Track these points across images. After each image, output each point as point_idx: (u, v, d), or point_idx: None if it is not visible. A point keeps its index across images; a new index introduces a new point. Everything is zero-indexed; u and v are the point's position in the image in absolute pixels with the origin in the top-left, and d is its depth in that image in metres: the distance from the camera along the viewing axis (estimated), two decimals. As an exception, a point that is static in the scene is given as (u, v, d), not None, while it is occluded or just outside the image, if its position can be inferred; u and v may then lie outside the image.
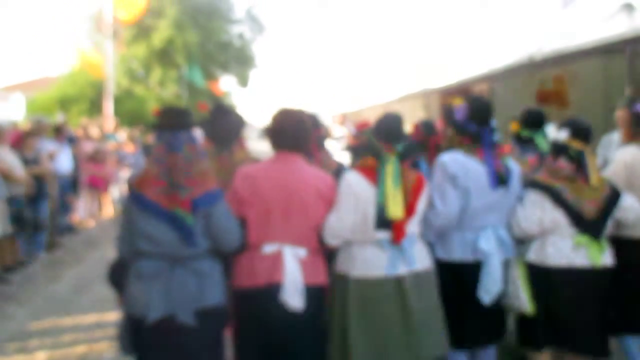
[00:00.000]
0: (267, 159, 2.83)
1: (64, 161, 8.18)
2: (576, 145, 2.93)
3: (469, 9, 9.17)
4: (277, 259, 2.61)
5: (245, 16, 27.40)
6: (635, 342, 3.26)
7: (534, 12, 7.30)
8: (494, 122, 3.32)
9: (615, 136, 4.98)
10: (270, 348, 2.62)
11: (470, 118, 2.95)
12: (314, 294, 2.63)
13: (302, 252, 2.65)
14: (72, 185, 8.74)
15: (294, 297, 2.56)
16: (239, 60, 26.88)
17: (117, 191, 11.32)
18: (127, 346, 2.62)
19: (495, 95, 8.88)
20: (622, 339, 3.28)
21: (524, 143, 3.40)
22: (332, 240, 2.70)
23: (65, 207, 8.53)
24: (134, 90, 22.83)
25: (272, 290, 2.57)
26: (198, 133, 2.72)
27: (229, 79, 27.92)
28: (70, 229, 8.67)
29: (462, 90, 9.93)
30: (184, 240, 2.46)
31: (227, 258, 2.69)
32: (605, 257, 2.93)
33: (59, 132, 8.40)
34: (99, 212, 10.13)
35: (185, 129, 2.55)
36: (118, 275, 2.70)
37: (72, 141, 8.92)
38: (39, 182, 6.79)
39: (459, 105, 3.03)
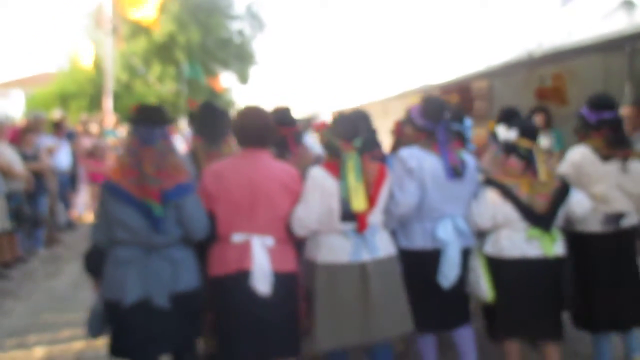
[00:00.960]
0: (233, 156, 3.01)
1: (62, 157, 8.17)
2: (525, 144, 3.12)
3: (468, 5, 9.15)
4: (245, 248, 2.79)
5: (245, 13, 27.36)
6: (605, 341, 3.39)
7: (533, 8, 7.29)
8: (468, 122, 3.62)
9: None
10: (245, 330, 2.77)
11: (424, 116, 3.18)
12: (283, 279, 2.81)
13: (269, 241, 2.82)
14: (71, 181, 8.73)
15: (262, 283, 2.75)
16: (239, 56, 26.85)
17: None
18: (95, 328, 2.83)
19: (495, 92, 8.89)
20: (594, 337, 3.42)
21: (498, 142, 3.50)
22: (299, 231, 2.89)
23: (64, 203, 8.53)
24: (133, 87, 22.80)
25: (241, 277, 2.75)
26: (187, 130, 2.80)
27: (229, 75, 27.90)
28: (69, 225, 8.68)
29: (461, 86, 9.92)
30: (153, 228, 2.63)
31: (204, 249, 2.87)
32: (557, 248, 3.10)
33: (57, 128, 8.39)
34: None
35: (160, 126, 2.74)
36: (93, 263, 2.84)
37: (71, 137, 8.91)
38: (38, 178, 6.79)
39: (415, 105, 3.29)
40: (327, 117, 14.06)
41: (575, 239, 3.33)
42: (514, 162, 3.14)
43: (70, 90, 20.40)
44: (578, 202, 3.16)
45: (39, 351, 4.05)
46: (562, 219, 3.18)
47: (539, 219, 3.06)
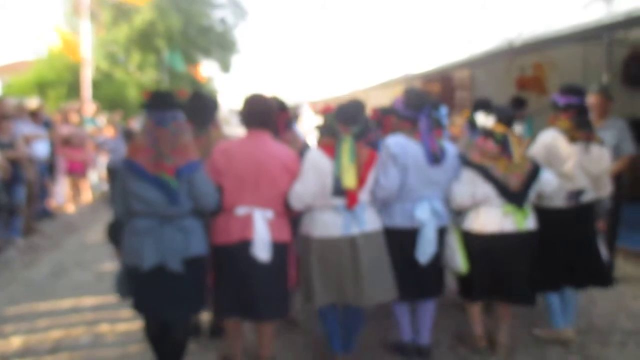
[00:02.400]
0: (240, 136, 3.31)
1: (40, 146, 8.02)
2: (500, 129, 3.47)
3: (450, -6, 9.17)
4: (248, 219, 3.12)
5: (227, 1, 27.12)
6: (556, 297, 3.79)
7: (514, -2, 7.33)
8: (444, 110, 3.84)
9: None
10: (242, 292, 3.13)
11: (407, 106, 3.45)
12: (279, 248, 3.18)
13: (269, 214, 3.17)
14: (49, 169, 8.60)
15: (262, 251, 3.09)
16: (221, 45, 26.64)
17: (95, 176, 11.18)
18: (124, 291, 3.18)
19: (476, 81, 8.93)
20: (546, 295, 3.81)
21: (474, 128, 3.81)
22: (297, 205, 3.21)
23: (42, 192, 8.40)
24: (113, 75, 22.49)
25: (244, 245, 3.10)
26: (183, 117, 3.14)
27: (211, 64, 27.68)
28: (47, 214, 8.55)
29: (443, 76, 9.95)
30: (169, 200, 2.94)
31: (207, 219, 3.19)
32: (529, 222, 3.47)
33: (35, 116, 8.22)
34: (78, 197, 10.00)
35: (171, 109, 3.03)
36: (115, 233, 3.16)
37: (48, 125, 8.75)
38: (15, 166, 6.67)
39: (398, 96, 3.56)
40: (308, 106, 14.03)
41: (541, 213, 3.68)
42: (491, 145, 3.46)
43: (48, 78, 20.03)
44: (547, 181, 3.50)
45: (17, 340, 4.01)
46: (534, 196, 3.53)
47: (514, 196, 3.41)
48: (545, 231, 3.63)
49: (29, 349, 3.87)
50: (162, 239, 2.95)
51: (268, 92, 3.74)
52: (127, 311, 4.47)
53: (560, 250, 3.67)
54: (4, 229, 6.66)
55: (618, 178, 4.95)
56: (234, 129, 11.10)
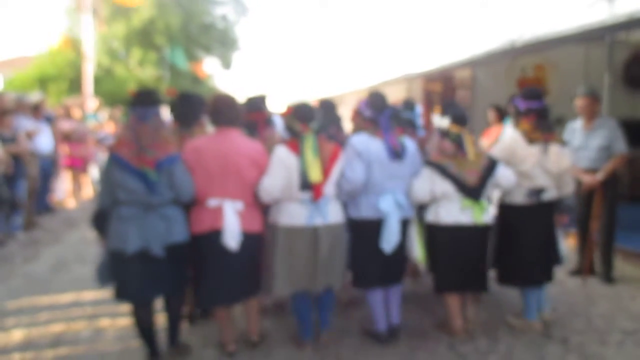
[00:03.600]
0: (210, 134, 3.55)
1: (44, 140, 8.04)
2: (455, 129, 3.71)
3: (453, -6, 9.17)
4: (218, 210, 3.35)
5: (228, -2, 27.06)
6: (532, 292, 4.00)
7: (516, -2, 7.33)
8: (419, 110, 4.35)
9: (578, 124, 5.15)
10: (216, 279, 3.39)
11: (370, 108, 3.74)
12: (250, 238, 3.41)
13: (239, 205, 3.39)
14: (52, 164, 8.60)
15: (231, 240, 3.32)
16: (222, 42, 26.59)
17: (96, 172, 11.18)
18: (104, 278, 3.37)
19: (477, 81, 8.94)
20: (522, 290, 4.02)
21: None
22: (265, 198, 3.45)
23: (44, 186, 8.41)
24: (114, 71, 22.47)
25: (215, 235, 3.33)
26: (167, 114, 3.46)
27: (212, 61, 27.63)
28: (49, 209, 8.57)
29: (444, 75, 9.96)
30: (149, 191, 3.17)
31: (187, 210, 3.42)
32: (485, 216, 3.72)
33: (36, 111, 8.22)
34: (79, 192, 10.01)
35: (153, 106, 3.28)
36: (99, 221, 3.38)
37: (49, 120, 8.75)
38: (17, 161, 6.69)
39: (362, 99, 3.85)
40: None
41: (504, 209, 3.99)
42: (447, 144, 3.72)
43: (49, 73, 20.04)
44: (503, 176, 3.74)
45: (18, 334, 4.03)
46: (491, 191, 3.83)
47: (471, 191, 3.66)
48: (508, 227, 3.96)
49: (30, 343, 3.89)
50: (145, 225, 3.17)
51: (262, 91, 4.22)
52: (128, 306, 4.52)
53: (522, 245, 3.90)
54: (5, 223, 6.68)
55: (615, 178, 4.99)
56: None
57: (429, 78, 10.41)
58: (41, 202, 8.26)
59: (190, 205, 3.43)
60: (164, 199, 3.24)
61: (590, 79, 7.03)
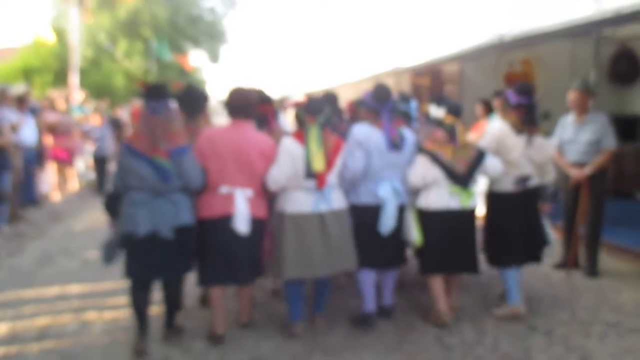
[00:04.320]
0: (225, 125, 3.76)
1: (28, 132, 7.93)
2: (449, 120, 3.91)
3: (441, -12, 9.18)
4: (230, 197, 3.57)
5: (216, -10, 26.88)
6: (512, 276, 4.19)
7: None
8: (414, 104, 4.62)
9: (570, 118, 5.18)
10: (224, 260, 3.60)
11: (374, 99, 3.91)
12: (257, 223, 3.64)
13: (249, 192, 3.60)
14: (36, 157, 8.50)
15: (241, 225, 3.54)
16: (209, 34, 26.44)
17: (82, 164, 11.09)
18: (109, 257, 3.60)
19: (465, 76, 8.96)
20: (502, 274, 4.24)
21: (428, 119, 4.18)
22: (273, 186, 3.64)
23: (29, 179, 8.31)
24: (100, 62, 22.24)
25: (226, 219, 3.55)
26: (175, 106, 3.67)
27: (200, 54, 27.47)
28: (33, 202, 8.48)
29: (433, 70, 9.98)
30: (162, 179, 3.41)
31: (193, 197, 3.63)
32: (472, 202, 3.95)
33: (21, 103, 8.10)
34: (64, 185, 9.92)
35: (164, 99, 3.49)
36: (112, 205, 3.61)
37: (34, 112, 8.63)
38: (1, 153, 6.60)
39: (366, 90, 4.03)
40: (298, 98, 13.99)
41: (493, 197, 4.25)
42: (441, 134, 3.93)
43: (34, 65, 19.81)
44: (491, 165, 3.97)
45: (3, 327, 3.99)
46: (480, 178, 4.03)
47: (459, 178, 3.88)
48: (497, 212, 4.23)
49: (15, 336, 3.86)
50: (155, 209, 3.41)
51: (254, 85, 4.28)
52: (114, 299, 4.50)
53: (509, 230, 4.13)
54: (-11, 216, 6.60)
55: (602, 173, 5.03)
56: (222, 119, 11.07)
57: (418, 72, 10.42)
58: (25, 194, 8.16)
59: (198, 192, 3.64)
60: (173, 186, 3.47)
61: (577, 75, 7.07)
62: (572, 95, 5.07)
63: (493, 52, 7.84)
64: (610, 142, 4.92)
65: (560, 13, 5.86)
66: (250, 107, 3.69)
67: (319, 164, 3.59)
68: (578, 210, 5.09)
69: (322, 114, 3.70)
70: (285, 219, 3.67)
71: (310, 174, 3.61)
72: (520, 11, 6.74)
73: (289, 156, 3.60)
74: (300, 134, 3.68)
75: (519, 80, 8.93)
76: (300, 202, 3.65)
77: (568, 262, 5.22)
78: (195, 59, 26.94)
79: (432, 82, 10.37)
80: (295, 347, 3.71)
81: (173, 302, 3.80)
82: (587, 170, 4.94)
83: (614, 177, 6.69)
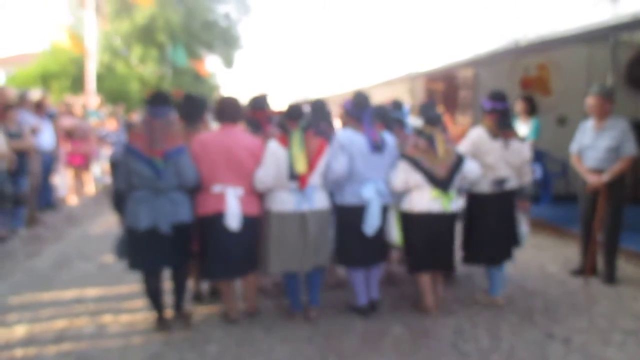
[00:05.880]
0: (215, 130, 4.10)
1: (46, 137, 8.03)
2: (428, 129, 4.21)
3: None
4: (221, 195, 3.86)
5: (231, -4, 27.05)
6: (496, 271, 4.50)
7: (520, -2, 7.32)
8: (406, 109, 5.00)
9: (589, 123, 5.11)
10: (219, 255, 3.89)
11: (354, 106, 4.21)
12: (249, 220, 3.92)
13: (240, 191, 3.89)
14: (54, 161, 8.59)
15: (232, 221, 3.83)
16: (224, 40, 26.59)
17: (98, 169, 11.19)
18: (121, 252, 3.96)
19: (480, 81, 8.92)
20: (487, 269, 4.55)
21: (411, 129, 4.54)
22: (259, 187, 3.92)
23: (46, 183, 8.41)
24: (115, 68, 22.46)
25: (218, 217, 3.84)
26: (174, 113, 4.01)
27: (215, 59, 27.63)
28: (51, 206, 8.57)
29: (447, 75, 9.94)
30: (157, 177, 3.71)
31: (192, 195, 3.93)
32: (453, 205, 4.16)
33: (38, 108, 8.20)
34: (81, 189, 10.02)
35: (164, 105, 3.83)
36: (118, 202, 3.96)
37: (51, 117, 8.73)
38: (20, 157, 6.69)
39: (347, 98, 4.31)
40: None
41: (472, 198, 4.51)
42: (421, 142, 4.18)
43: (52, 70, 20.03)
44: (469, 169, 4.22)
45: (20, 330, 4.03)
46: (459, 183, 4.26)
47: (440, 182, 4.10)
48: (475, 212, 4.48)
49: (32, 339, 3.89)
50: (155, 206, 3.71)
51: (262, 92, 4.69)
52: (131, 302, 4.53)
53: (486, 228, 4.39)
54: (8, 219, 6.68)
55: (621, 180, 4.96)
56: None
57: (432, 77, 10.40)
58: (43, 198, 8.26)
59: (195, 191, 3.93)
60: (171, 185, 3.75)
61: (594, 79, 7.02)
62: (590, 101, 4.99)
63: (508, 57, 7.80)
64: (631, 148, 4.84)
65: (577, 17, 5.82)
66: (236, 111, 4.00)
67: (301, 166, 3.87)
68: (596, 216, 5.03)
69: (302, 118, 4.01)
70: (270, 216, 3.97)
71: (293, 175, 3.88)
72: (535, 15, 6.69)
73: (274, 158, 3.88)
74: (284, 138, 3.96)
75: (535, 85, 8.90)
76: (284, 201, 3.93)
77: (586, 269, 5.16)
78: (210, 64, 27.10)
79: (446, 87, 10.34)
80: (310, 351, 3.71)
81: (179, 288, 4.10)
82: (605, 177, 4.87)
83: (632, 183, 6.61)
